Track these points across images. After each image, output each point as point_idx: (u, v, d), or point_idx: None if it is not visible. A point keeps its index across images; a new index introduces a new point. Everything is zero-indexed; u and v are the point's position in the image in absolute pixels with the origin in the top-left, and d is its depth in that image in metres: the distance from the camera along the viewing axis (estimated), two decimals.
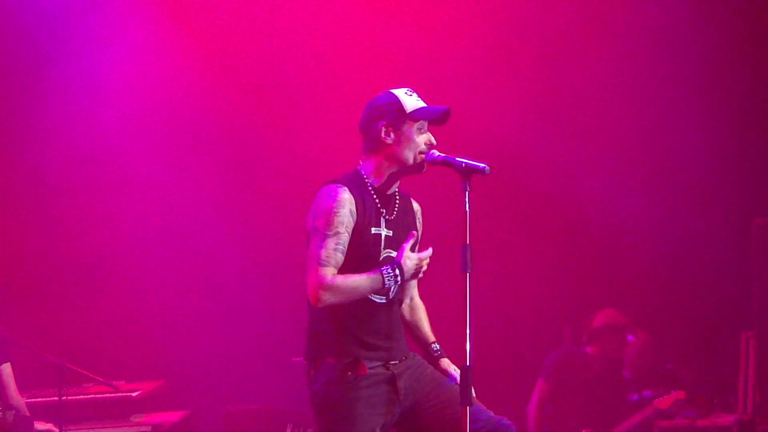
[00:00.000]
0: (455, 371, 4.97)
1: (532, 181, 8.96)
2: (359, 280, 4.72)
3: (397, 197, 4.99)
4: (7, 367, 7.08)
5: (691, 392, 8.01)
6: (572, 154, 8.96)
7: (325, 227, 4.75)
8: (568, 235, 8.93)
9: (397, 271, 4.74)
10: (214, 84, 8.87)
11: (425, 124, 4.92)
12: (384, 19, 8.87)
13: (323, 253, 4.72)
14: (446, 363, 5.03)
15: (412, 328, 5.11)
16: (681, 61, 8.79)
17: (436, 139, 4.95)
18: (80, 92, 8.70)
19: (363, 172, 4.93)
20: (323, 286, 4.69)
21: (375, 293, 4.78)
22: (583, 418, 8.11)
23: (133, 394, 7.74)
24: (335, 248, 4.73)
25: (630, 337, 8.42)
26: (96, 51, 8.70)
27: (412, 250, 4.91)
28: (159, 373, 8.24)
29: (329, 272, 4.71)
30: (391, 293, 4.89)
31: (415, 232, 4.95)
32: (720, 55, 8.69)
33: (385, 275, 4.73)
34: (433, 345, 5.08)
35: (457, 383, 4.87)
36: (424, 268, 4.82)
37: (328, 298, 4.71)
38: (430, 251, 4.82)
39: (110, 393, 7.62)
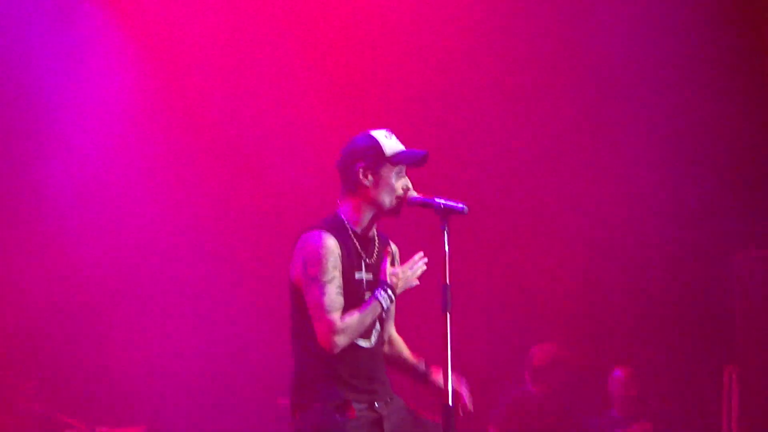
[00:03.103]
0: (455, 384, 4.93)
1: (509, 213, 8.99)
2: (362, 314, 4.79)
3: (376, 240, 5.03)
4: None
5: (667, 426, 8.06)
6: (550, 185, 9.01)
7: (321, 274, 4.78)
8: (548, 268, 8.93)
9: (389, 291, 4.81)
10: (212, 89, 8.89)
11: (404, 168, 4.96)
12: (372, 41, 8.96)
13: (327, 300, 4.76)
14: (438, 377, 4.94)
15: (395, 359, 5.15)
16: (665, 95, 8.85)
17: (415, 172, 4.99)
18: (75, 99, 8.72)
19: (343, 216, 4.96)
20: (336, 330, 4.74)
21: (377, 309, 4.82)
22: None
23: None
24: (337, 292, 4.79)
25: (616, 373, 8.44)
26: (93, 54, 8.73)
27: None
28: (141, 418, 8.22)
29: (338, 316, 4.76)
30: (373, 336, 4.93)
31: (390, 249, 5.01)
32: (707, 84, 8.75)
33: (380, 298, 4.80)
34: (419, 364, 5.12)
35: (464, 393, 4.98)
36: (418, 273, 4.87)
37: (342, 341, 4.77)
38: (419, 255, 4.88)
39: None
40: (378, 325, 4.98)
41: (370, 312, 4.80)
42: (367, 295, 4.89)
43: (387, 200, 4.93)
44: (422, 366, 5.12)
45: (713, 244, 8.67)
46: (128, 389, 8.63)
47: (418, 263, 4.87)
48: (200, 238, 8.94)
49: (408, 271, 4.86)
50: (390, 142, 4.95)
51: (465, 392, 5.04)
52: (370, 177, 4.92)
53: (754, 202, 8.76)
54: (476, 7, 8.86)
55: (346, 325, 4.75)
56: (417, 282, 4.90)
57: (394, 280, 4.84)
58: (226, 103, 8.90)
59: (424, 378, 5.11)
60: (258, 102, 8.90)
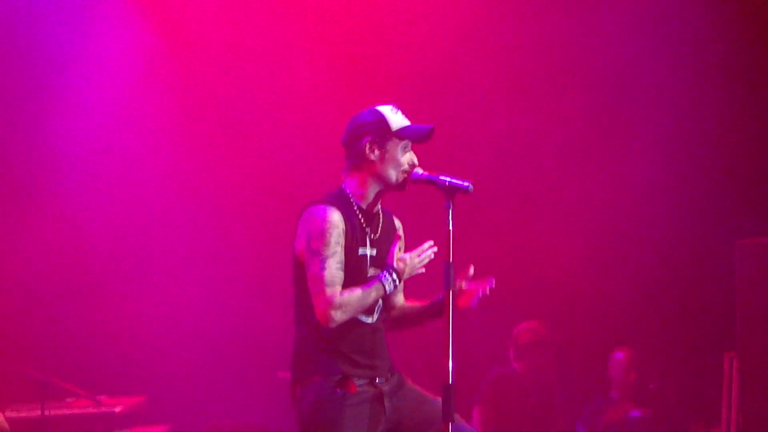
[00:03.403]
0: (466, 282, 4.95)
1: (514, 194, 8.99)
2: (363, 293, 4.78)
3: (381, 215, 5.02)
4: None
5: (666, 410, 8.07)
6: (555, 169, 9.02)
7: (323, 248, 4.77)
8: (551, 250, 8.91)
9: (394, 275, 4.79)
10: (211, 82, 8.89)
11: (409, 143, 4.95)
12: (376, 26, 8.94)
13: (327, 274, 4.75)
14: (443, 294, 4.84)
15: (408, 316, 5.12)
16: (667, 84, 8.85)
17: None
18: (75, 89, 8.71)
19: (348, 191, 4.95)
20: (333, 305, 4.73)
21: (376, 294, 4.81)
22: None
23: (116, 409, 7.66)
24: (337, 267, 4.78)
25: (617, 354, 8.44)
26: (94, 49, 8.71)
27: None
28: (141, 388, 8.18)
29: (337, 291, 4.75)
30: (376, 312, 4.93)
31: (399, 234, 5.02)
32: (712, 74, 8.75)
33: (384, 281, 4.79)
34: (430, 302, 5.06)
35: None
36: (425, 261, 4.85)
37: (339, 316, 4.76)
38: (429, 243, 4.86)
39: (93, 408, 7.59)
40: (380, 302, 4.97)
41: (372, 292, 4.80)
42: (371, 270, 4.90)
43: (393, 175, 4.91)
44: (436, 300, 5.03)
45: (716, 231, 8.67)
46: (129, 359, 8.64)
47: (427, 251, 4.85)
48: (204, 208, 8.95)
49: (415, 259, 4.84)
50: (396, 117, 4.94)
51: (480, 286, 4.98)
52: (376, 151, 4.91)
53: (757, 190, 8.76)
54: None
55: (345, 300, 4.74)
56: (423, 270, 4.88)
57: (401, 265, 4.82)
58: (235, 67, 8.90)
59: (440, 302, 4.95)
60: (265, 73, 8.90)
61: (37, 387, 7.13)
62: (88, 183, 8.78)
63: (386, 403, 4.90)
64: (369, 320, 4.92)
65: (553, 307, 8.72)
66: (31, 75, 8.62)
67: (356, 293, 4.76)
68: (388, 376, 4.96)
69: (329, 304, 4.72)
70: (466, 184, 4.79)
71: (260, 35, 8.86)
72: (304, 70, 8.85)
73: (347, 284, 4.81)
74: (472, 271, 4.97)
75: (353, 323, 4.85)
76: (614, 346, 8.58)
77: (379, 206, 5.01)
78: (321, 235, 4.78)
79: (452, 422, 4.63)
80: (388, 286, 4.80)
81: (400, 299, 5.15)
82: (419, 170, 4.93)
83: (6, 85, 8.58)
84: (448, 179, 4.81)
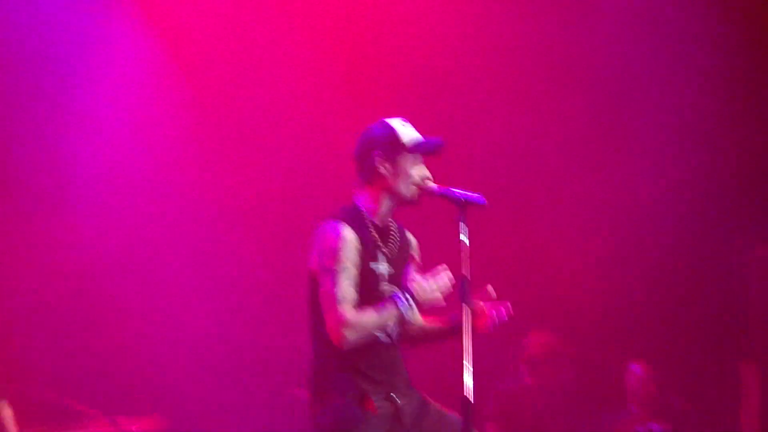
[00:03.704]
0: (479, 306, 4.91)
1: (524, 206, 8.95)
2: (378, 316, 4.72)
3: (393, 230, 5.00)
4: (4, 408, 7.03)
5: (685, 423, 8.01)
6: (564, 178, 8.98)
7: (335, 265, 4.74)
8: (562, 262, 8.88)
9: (411, 300, 4.72)
10: (221, 90, 8.90)
11: (420, 156, 4.93)
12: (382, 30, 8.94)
13: (339, 291, 4.71)
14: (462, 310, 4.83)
15: (423, 335, 5.08)
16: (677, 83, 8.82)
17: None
18: (78, 92, 8.70)
19: (360, 206, 4.94)
20: (345, 324, 4.69)
21: (387, 320, 4.73)
22: None
23: (132, 429, 7.66)
24: (349, 284, 4.74)
25: (634, 367, 8.36)
26: (96, 54, 8.71)
27: None
28: (158, 407, 8.13)
29: (348, 309, 4.71)
30: (393, 334, 4.90)
31: (414, 254, 5.01)
32: (719, 74, 8.73)
33: (401, 306, 4.72)
34: (441, 318, 5.04)
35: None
36: (442, 287, 4.76)
37: (351, 335, 4.70)
38: (443, 267, 4.80)
39: (110, 428, 7.55)
40: None
41: (387, 316, 4.73)
42: (384, 286, 4.86)
43: (404, 189, 4.89)
44: (449, 316, 4.99)
45: (729, 239, 8.65)
46: (146, 378, 8.62)
47: (441, 275, 4.79)
48: (216, 221, 8.93)
49: (431, 282, 4.76)
50: (406, 130, 4.93)
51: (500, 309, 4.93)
52: (387, 166, 4.89)
53: None
54: None
55: (358, 320, 4.69)
56: (442, 300, 4.79)
57: (415, 286, 4.76)
58: (244, 75, 8.89)
59: (456, 319, 4.88)
60: (272, 80, 8.88)
61: (53, 408, 7.10)
62: (101, 196, 8.75)
63: (405, 420, 4.87)
64: (386, 338, 4.88)
65: (560, 317, 8.65)
66: (39, 80, 8.59)
67: (371, 316, 4.71)
68: (406, 392, 4.93)
69: (340, 322, 4.68)
70: (481, 198, 4.77)
71: (266, 40, 8.84)
72: (308, 77, 8.84)
73: (362, 301, 4.78)
74: (491, 291, 4.94)
75: (370, 341, 4.80)
76: (626, 357, 8.50)
77: (393, 221, 5.00)
78: (333, 252, 4.76)
79: None
80: (405, 310, 4.73)
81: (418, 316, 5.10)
82: (433, 184, 4.91)
83: (15, 91, 8.56)
84: (462, 193, 4.78)
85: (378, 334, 4.81)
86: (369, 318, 4.71)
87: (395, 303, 4.72)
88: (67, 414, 7.27)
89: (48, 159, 8.62)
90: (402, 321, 4.75)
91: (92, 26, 8.65)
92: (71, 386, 7.87)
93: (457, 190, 4.80)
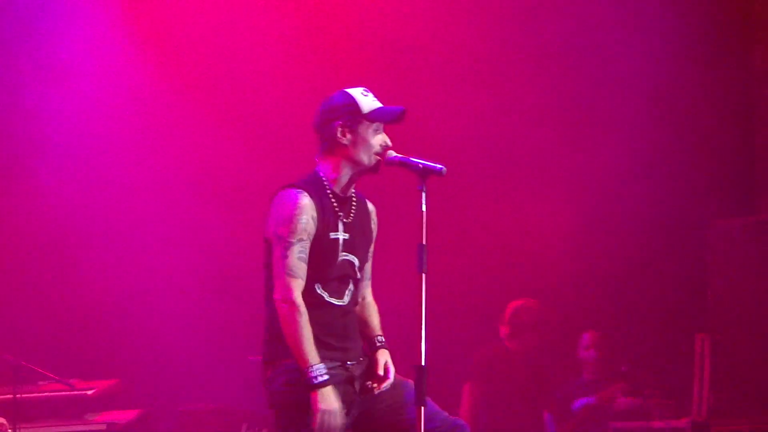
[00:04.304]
0: (389, 364, 4.96)
1: (488, 181, 8.98)
2: (306, 343, 4.68)
3: (354, 199, 4.99)
4: None
5: (637, 389, 8.07)
6: (530, 152, 8.98)
7: (288, 235, 4.73)
8: (523, 236, 8.90)
9: (321, 380, 4.67)
10: (194, 82, 8.91)
11: (381, 125, 4.91)
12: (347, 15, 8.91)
13: (289, 263, 4.71)
14: (383, 354, 4.98)
15: (361, 325, 5.06)
16: (633, 61, 8.85)
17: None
18: (57, 69, 8.72)
19: (321, 174, 4.92)
20: (287, 300, 4.71)
21: (298, 363, 4.70)
22: (514, 416, 8.09)
23: (89, 393, 7.67)
24: (299, 257, 4.73)
25: (585, 336, 8.42)
26: (80, 46, 8.74)
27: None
28: (114, 371, 8.18)
29: (297, 285, 4.72)
30: (347, 295, 4.91)
31: (372, 223, 5.03)
32: (674, 55, 8.78)
33: (312, 373, 4.66)
34: (378, 337, 5.05)
35: (391, 378, 4.92)
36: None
37: (287, 315, 4.70)
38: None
39: (65, 391, 7.54)
40: (351, 285, 4.95)
41: (305, 355, 4.67)
42: (342, 255, 4.87)
43: (365, 158, 4.88)
44: (380, 340, 5.04)
45: (689, 212, 8.68)
46: (101, 342, 8.61)
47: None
48: (178, 190, 8.90)
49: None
50: (366, 100, 4.90)
51: (389, 374, 4.96)
52: (348, 135, 4.87)
53: (730, 171, 8.76)
54: None
55: (297, 314, 4.68)
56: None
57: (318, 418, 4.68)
58: (213, 57, 8.93)
59: (373, 351, 5.01)
60: (237, 58, 8.91)
61: (9, 370, 7.07)
62: (64, 164, 8.75)
63: (357, 386, 4.88)
64: (340, 302, 4.89)
65: (524, 284, 8.68)
66: (11, 50, 8.64)
67: (304, 332, 4.67)
68: (360, 360, 4.94)
69: (284, 297, 4.71)
70: (439, 166, 4.76)
71: (241, 21, 8.88)
72: (280, 54, 8.85)
73: (318, 267, 4.79)
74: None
75: (324, 305, 4.81)
76: (586, 325, 8.57)
77: (353, 190, 4.98)
78: (289, 220, 4.75)
79: (424, 406, 4.61)
80: (313, 377, 4.67)
81: (366, 293, 5.11)
82: (392, 152, 4.89)
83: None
84: (422, 162, 4.78)
85: (333, 298, 4.84)
86: (301, 332, 4.69)
87: (311, 368, 4.68)
88: (23, 376, 7.21)
89: (16, 131, 8.69)
90: (300, 372, 4.70)
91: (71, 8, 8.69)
92: (26, 349, 7.81)
93: (418, 160, 4.80)
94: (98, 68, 8.75)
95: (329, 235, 4.84)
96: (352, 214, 4.95)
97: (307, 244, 4.76)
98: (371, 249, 5.06)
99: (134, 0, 8.83)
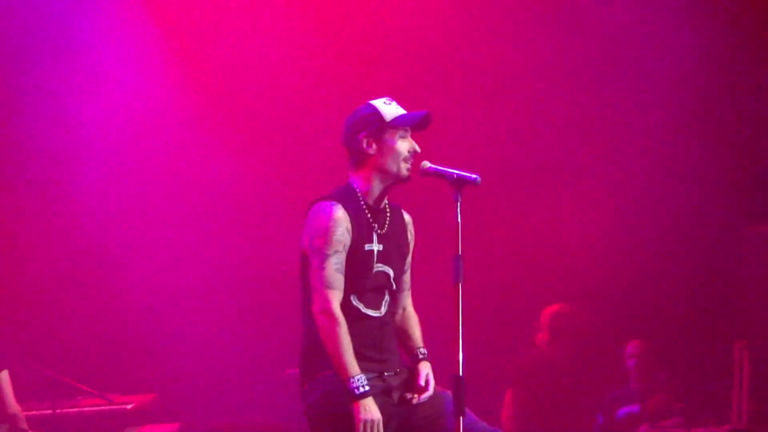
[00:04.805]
0: (430, 376, 4.97)
1: (519, 189, 8.95)
2: (346, 354, 4.70)
3: (388, 210, 5.00)
4: (4, 374, 6.99)
5: (683, 402, 8.00)
6: (563, 159, 8.94)
7: (325, 247, 4.77)
8: (556, 244, 8.86)
9: (363, 391, 4.69)
10: (205, 84, 8.90)
11: (407, 131, 4.94)
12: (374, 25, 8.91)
13: (327, 275, 4.75)
14: (424, 366, 4.98)
15: (402, 336, 5.08)
16: (669, 63, 8.80)
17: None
18: (75, 83, 8.74)
19: (355, 186, 4.94)
20: (326, 312, 4.73)
21: (339, 374, 4.72)
22: (556, 423, 8.05)
23: (127, 407, 7.69)
24: (336, 268, 4.76)
25: (632, 345, 8.33)
26: (88, 47, 8.73)
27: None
28: (152, 385, 8.20)
29: (335, 296, 4.74)
30: (383, 306, 4.92)
31: (409, 234, 5.04)
32: (708, 56, 8.71)
33: (353, 384, 4.69)
34: (419, 349, 5.05)
35: (431, 390, 4.92)
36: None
37: (326, 327, 4.72)
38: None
39: (104, 406, 7.59)
40: (387, 296, 4.96)
41: (341, 365, 4.70)
42: (377, 266, 4.88)
43: (394, 166, 4.90)
44: (421, 352, 5.04)
45: (723, 219, 8.61)
46: (140, 356, 8.63)
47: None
48: (214, 203, 8.94)
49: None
50: (389, 108, 4.94)
51: (429, 386, 4.96)
52: (373, 145, 4.90)
53: (764, 178, 8.68)
54: None
55: (336, 324, 4.70)
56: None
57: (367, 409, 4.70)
58: (235, 65, 8.89)
59: (414, 363, 5.01)
60: (266, 70, 8.87)
61: (48, 385, 7.11)
62: (102, 175, 8.78)
63: (395, 397, 4.88)
64: (377, 314, 4.90)
65: (560, 294, 8.60)
66: (28, 67, 8.66)
67: (345, 342, 4.69)
68: (397, 371, 4.94)
69: (322, 308, 4.73)
70: (474, 176, 4.78)
71: (254, 29, 8.85)
72: (305, 66, 8.86)
73: (354, 278, 4.81)
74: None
75: (361, 317, 4.83)
76: (624, 334, 8.50)
77: (386, 201, 4.99)
78: (324, 232, 4.78)
79: (463, 416, 4.61)
80: (354, 387, 4.69)
81: (407, 303, 5.12)
82: (427, 163, 4.90)
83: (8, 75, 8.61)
84: (456, 172, 4.80)
85: (369, 309, 4.86)
86: (340, 342, 4.70)
87: (352, 379, 4.70)
88: (62, 391, 7.24)
89: (35, 144, 8.70)
90: (340, 384, 4.72)
91: (91, 14, 8.72)
92: (66, 363, 7.91)
93: (452, 170, 4.82)
94: (132, 78, 8.79)
95: (364, 247, 4.86)
96: (386, 225, 4.96)
97: (343, 256, 4.79)
98: (408, 260, 5.07)
99: (168, 11, 8.85)
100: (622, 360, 8.40)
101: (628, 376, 8.35)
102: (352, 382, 4.69)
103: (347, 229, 4.81)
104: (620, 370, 8.41)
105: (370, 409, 4.69)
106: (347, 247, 4.80)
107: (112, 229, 8.80)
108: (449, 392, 4.74)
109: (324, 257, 4.76)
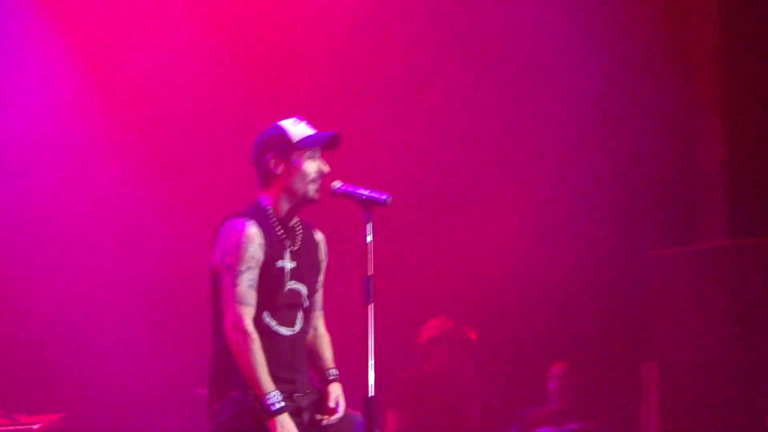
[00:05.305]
0: (341, 398, 4.96)
1: (434, 203, 8.93)
2: (261, 371, 4.67)
3: (299, 228, 4.99)
4: None
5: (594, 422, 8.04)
6: (473, 177, 8.94)
7: (237, 263, 4.75)
8: (469, 262, 8.84)
9: (279, 407, 4.67)
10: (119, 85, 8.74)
11: (316, 152, 4.93)
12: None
13: (239, 291, 4.73)
14: (335, 387, 4.99)
15: (313, 356, 5.07)
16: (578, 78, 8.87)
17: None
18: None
19: (264, 204, 4.93)
20: (239, 328, 4.70)
21: (253, 391, 4.70)
22: None
23: (34, 427, 7.44)
24: (249, 285, 4.75)
25: (556, 367, 8.29)
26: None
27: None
28: (61, 405, 8.01)
29: (248, 313, 4.72)
30: (297, 324, 4.89)
31: (320, 253, 5.03)
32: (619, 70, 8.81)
33: (268, 401, 4.67)
34: (330, 370, 5.06)
35: (341, 411, 4.92)
36: None
37: (239, 344, 4.69)
38: None
39: (8, 426, 7.35)
40: (301, 314, 4.95)
41: (260, 384, 4.68)
42: (290, 284, 4.86)
43: (302, 186, 4.91)
44: (332, 373, 5.05)
45: (629, 242, 8.66)
46: (48, 376, 8.44)
47: None
48: (127, 225, 8.78)
49: None
50: (297, 129, 4.94)
51: (339, 407, 4.98)
52: (281, 166, 4.90)
53: (669, 201, 8.79)
54: None
55: (249, 341, 4.67)
56: None
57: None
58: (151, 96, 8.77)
59: (325, 384, 5.02)
60: (183, 87, 8.76)
61: None
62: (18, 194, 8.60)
63: (305, 418, 4.85)
64: (289, 332, 4.88)
65: (470, 315, 8.49)
66: None
67: (258, 360, 4.67)
68: (307, 391, 4.92)
69: (235, 325, 4.70)
70: (384, 197, 4.81)
71: (171, 41, 8.73)
72: (214, 79, 8.75)
73: (266, 295, 4.79)
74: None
75: (272, 334, 4.81)
76: (532, 354, 8.52)
77: (297, 219, 4.98)
78: (237, 248, 4.77)
79: None
80: (269, 404, 4.67)
81: (319, 323, 5.12)
82: (337, 183, 4.91)
83: None
84: (366, 192, 4.82)
85: (281, 328, 4.83)
86: (254, 356, 4.68)
87: (267, 396, 4.67)
88: None
89: None
90: (256, 403, 4.70)
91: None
92: None
93: (363, 191, 4.84)
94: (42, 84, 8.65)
95: (276, 264, 4.84)
96: (298, 243, 4.95)
97: (256, 272, 4.77)
98: (320, 278, 5.07)
99: (74, 16, 8.70)
100: (539, 379, 8.33)
101: (548, 396, 8.27)
102: (268, 399, 4.67)
103: (260, 245, 4.80)
104: (536, 389, 8.36)
105: (287, 426, 4.67)
106: (260, 263, 4.79)
107: (16, 238, 8.58)
108: (359, 414, 4.77)
109: (236, 273, 4.74)
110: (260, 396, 4.66)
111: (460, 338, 8.17)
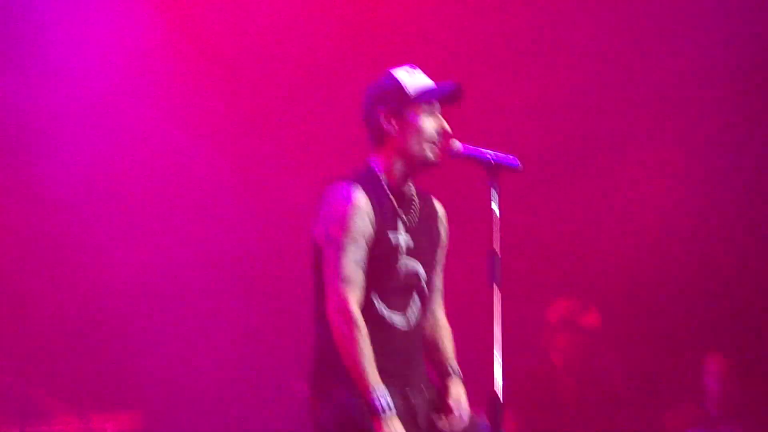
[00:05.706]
0: (462, 398, 4.80)
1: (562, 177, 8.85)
2: (366, 362, 4.51)
3: (415, 198, 4.78)
4: None
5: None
6: (608, 137, 8.88)
7: (342, 236, 4.57)
8: (604, 237, 8.77)
9: (386, 406, 4.49)
10: (210, 77, 8.82)
11: (435, 107, 4.72)
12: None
13: (343, 268, 4.55)
14: (455, 384, 4.80)
15: (430, 348, 4.87)
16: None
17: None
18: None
19: (375, 168, 4.72)
20: (342, 312, 4.53)
21: (357, 385, 4.53)
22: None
23: (106, 427, 7.66)
24: (356, 262, 4.57)
25: (710, 363, 8.06)
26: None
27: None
28: (135, 402, 8.14)
29: (353, 293, 4.54)
30: (410, 311, 4.70)
31: (441, 227, 4.87)
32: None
33: (376, 401, 4.49)
34: (449, 362, 4.87)
35: (464, 414, 4.77)
36: None
37: (341, 329, 4.53)
38: None
39: (80, 425, 7.56)
40: (417, 301, 4.73)
41: (361, 378, 4.51)
42: (404, 260, 4.66)
43: (417, 147, 4.69)
44: (452, 366, 4.88)
45: None
46: (122, 373, 8.51)
47: None
48: (211, 203, 8.85)
49: None
50: (413, 79, 4.74)
51: (462, 409, 4.80)
52: (394, 122, 4.71)
53: None
54: None
55: (354, 320, 4.51)
56: None
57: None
58: (231, 85, 8.86)
59: (444, 379, 4.86)
60: (260, 91, 8.82)
61: (16, 401, 6.93)
62: (69, 166, 8.63)
63: (420, 420, 4.68)
64: (402, 319, 4.70)
65: (605, 305, 8.36)
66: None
67: (360, 348, 4.51)
68: (423, 389, 4.73)
69: (338, 307, 4.53)
70: (514, 161, 4.64)
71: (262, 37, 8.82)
72: (311, 39, 8.78)
73: (376, 275, 4.60)
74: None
75: (383, 321, 4.63)
76: (681, 348, 8.40)
77: (412, 186, 4.77)
78: (342, 219, 4.57)
79: None
80: (377, 404, 4.48)
81: (437, 310, 4.93)
82: (458, 143, 4.67)
83: None
84: (494, 154, 4.63)
85: (394, 316, 4.67)
86: (359, 345, 4.51)
87: (374, 393, 4.50)
88: (31, 408, 7.12)
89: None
90: (362, 401, 4.52)
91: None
92: (38, 376, 7.83)
93: (488, 151, 4.65)
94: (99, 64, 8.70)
95: (389, 239, 4.64)
96: (415, 215, 4.75)
97: (364, 248, 4.58)
98: (440, 256, 4.87)
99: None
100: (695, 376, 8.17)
101: (704, 397, 8.09)
102: (375, 398, 4.48)
103: (369, 216, 4.59)
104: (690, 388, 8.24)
105: (396, 428, 4.50)
106: (369, 238, 4.59)
107: (91, 222, 8.67)
108: (485, 418, 4.58)
109: (341, 247, 4.54)
110: (365, 392, 4.49)
111: (583, 325, 8.00)
